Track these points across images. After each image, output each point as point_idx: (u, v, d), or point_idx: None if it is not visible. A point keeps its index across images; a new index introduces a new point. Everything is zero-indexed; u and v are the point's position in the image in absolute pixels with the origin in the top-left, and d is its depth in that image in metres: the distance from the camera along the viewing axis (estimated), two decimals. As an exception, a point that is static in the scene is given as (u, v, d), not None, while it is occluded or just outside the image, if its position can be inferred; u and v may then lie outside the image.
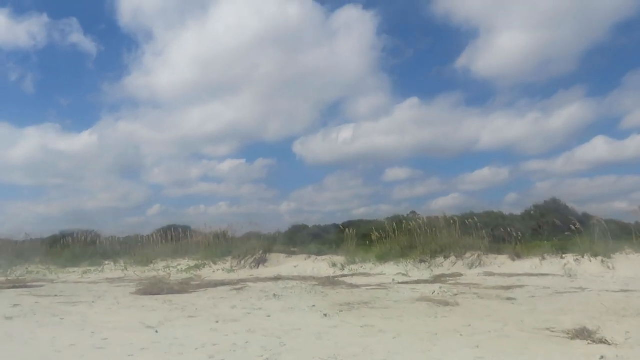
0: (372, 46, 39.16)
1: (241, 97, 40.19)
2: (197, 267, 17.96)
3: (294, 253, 18.03)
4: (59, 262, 20.87)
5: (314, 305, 8.47)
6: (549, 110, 37.06)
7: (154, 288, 12.28)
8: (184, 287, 12.78)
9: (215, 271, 17.28)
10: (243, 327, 6.53)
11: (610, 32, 34.92)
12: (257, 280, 14.36)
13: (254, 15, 37.77)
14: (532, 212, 24.19)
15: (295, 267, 16.57)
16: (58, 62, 44.18)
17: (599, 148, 34.43)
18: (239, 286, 12.87)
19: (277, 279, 14.53)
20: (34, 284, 15.60)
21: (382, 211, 39.14)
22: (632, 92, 34.88)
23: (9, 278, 17.75)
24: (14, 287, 14.65)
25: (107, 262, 20.36)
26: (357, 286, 11.95)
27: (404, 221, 17.23)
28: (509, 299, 8.94)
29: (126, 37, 42.72)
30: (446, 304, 8.34)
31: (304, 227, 23.59)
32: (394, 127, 38.41)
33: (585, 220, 19.97)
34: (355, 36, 38.48)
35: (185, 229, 23.88)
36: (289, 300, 9.61)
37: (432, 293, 9.94)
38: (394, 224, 17.85)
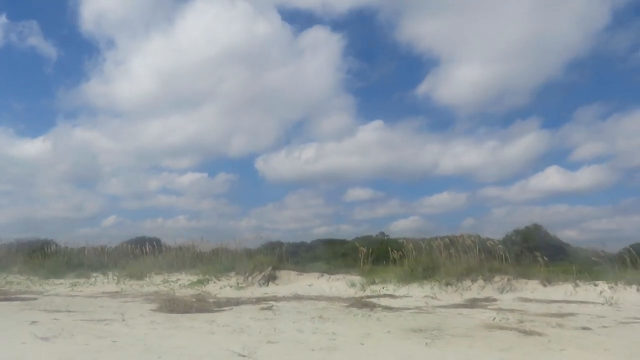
0: (337, 67, 39.61)
1: (204, 111, 39.72)
2: (200, 282, 16.82)
3: (305, 271, 17.17)
4: (40, 273, 19.19)
5: (389, 331, 7.73)
6: (506, 139, 38.78)
7: (176, 305, 11.24)
8: (203, 305, 11.80)
9: (222, 287, 16.20)
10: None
11: (564, 69, 36.69)
12: (277, 299, 13.43)
13: (221, 31, 37.59)
14: (513, 237, 24.38)
15: (309, 285, 15.71)
16: (14, 65, 42.15)
17: (552, 177, 35.85)
18: (264, 305, 11.95)
19: (298, 298, 13.66)
20: (24, 296, 14.18)
21: (343, 231, 39.09)
22: (582, 126, 37.02)
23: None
24: (6, 299, 13.19)
25: (95, 274, 18.87)
26: (397, 309, 11.24)
27: (423, 242, 16.69)
28: (584, 328, 8.46)
29: (87, 43, 41.59)
30: (529, 332, 7.76)
31: (280, 243, 22.78)
32: (357, 148, 38.92)
33: (564, 247, 20.34)
34: (321, 57, 38.89)
35: (155, 241, 22.92)
36: (344, 323, 8.82)
37: (493, 320, 9.36)
38: (402, 244, 17.36)
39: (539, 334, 7.65)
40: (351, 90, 41.80)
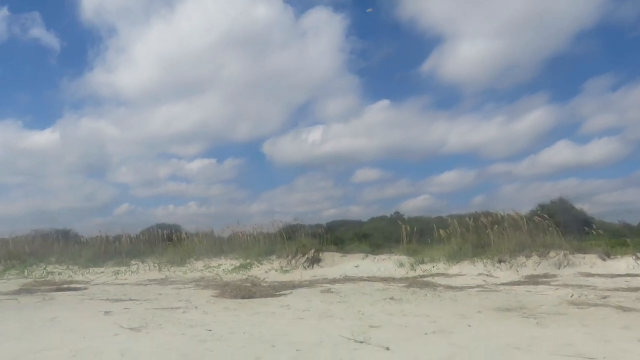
0: (341, 48, 39.70)
1: (210, 97, 39.39)
2: (244, 267, 16.68)
3: (349, 252, 16.98)
4: (79, 262, 19.13)
5: (479, 312, 7.50)
6: (514, 115, 38.22)
7: (237, 291, 11.08)
8: (262, 290, 11.61)
9: (267, 272, 16.05)
10: (481, 342, 5.46)
11: (572, 41, 35.86)
12: (330, 281, 13.26)
13: (222, 15, 37.20)
14: (538, 212, 24.01)
15: (356, 267, 15.51)
16: (19, 57, 41.95)
17: (563, 152, 35.41)
18: (322, 288, 11.79)
19: (350, 280, 13.48)
20: (74, 286, 14.09)
21: (353, 212, 39.07)
22: (593, 98, 36.26)
23: (37, 280, 16.06)
24: (58, 289, 13.11)
25: (134, 262, 18.79)
26: (460, 288, 11.01)
27: (469, 219, 16.38)
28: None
29: (89, 32, 41.20)
30: (626, 309, 7.49)
31: (300, 226, 22.60)
32: (364, 129, 38.74)
33: (590, 220, 19.97)
34: (324, 38, 38.70)
35: (174, 228, 22.93)
36: (422, 305, 8.61)
37: (571, 297, 9.10)
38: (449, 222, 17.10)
39: (637, 310, 7.39)
40: (356, 70, 41.74)
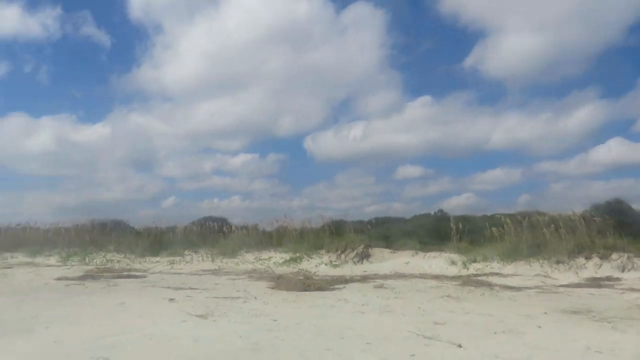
0: (382, 43, 38.34)
1: (252, 92, 39.63)
2: (294, 260, 16.89)
3: (397, 249, 16.89)
4: (136, 252, 19.92)
5: (545, 313, 7.29)
6: (563, 111, 36.07)
7: (292, 284, 11.23)
8: (314, 283, 11.69)
9: (317, 265, 16.18)
10: (557, 344, 5.35)
11: (624, 33, 33.40)
12: (382, 277, 13.23)
13: (264, 11, 37.34)
14: (592, 213, 22.92)
15: (406, 263, 15.41)
16: (72, 54, 43.82)
17: (615, 150, 32.90)
18: (374, 283, 11.78)
19: (402, 276, 13.39)
20: (133, 273, 14.67)
21: (395, 209, 38.56)
22: None
23: (98, 266, 16.86)
24: (118, 276, 13.71)
25: (187, 253, 19.37)
26: (517, 288, 10.73)
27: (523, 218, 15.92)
28: None
29: (137, 30, 42.60)
30: None
31: (343, 222, 22.52)
32: (405, 124, 37.62)
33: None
34: (365, 33, 37.71)
35: (222, 220, 23.48)
36: (481, 303, 8.45)
37: (641, 300, 8.70)
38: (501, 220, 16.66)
39: None
40: (397, 65, 40.26)
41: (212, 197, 40.99)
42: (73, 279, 13.22)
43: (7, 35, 40.90)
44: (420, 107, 37.60)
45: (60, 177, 44.24)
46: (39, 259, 20.29)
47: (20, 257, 20.89)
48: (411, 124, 37.75)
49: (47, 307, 8.27)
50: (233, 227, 22.16)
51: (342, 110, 44.76)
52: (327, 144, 38.77)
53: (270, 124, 40.48)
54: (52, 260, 19.95)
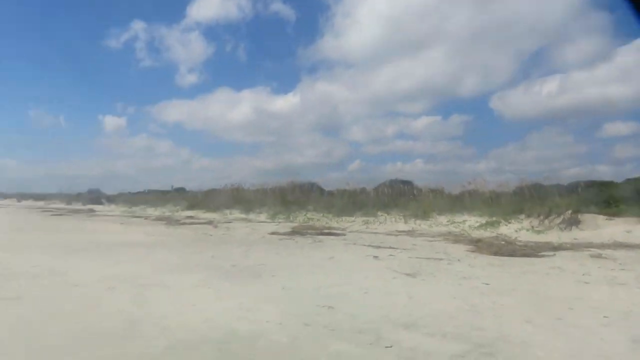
0: None
1: (433, 53, 37.47)
2: (490, 224, 16.12)
3: (613, 215, 14.78)
4: (332, 211, 21.34)
5: None
6: None
7: (497, 249, 10.76)
8: (518, 249, 11.01)
9: (516, 230, 15.17)
10: None
11: None
12: (597, 246, 11.74)
13: None
14: None
15: (627, 232, 13.39)
16: (263, 30, 47.56)
17: None
18: (589, 252, 10.54)
19: (622, 246, 11.72)
20: (333, 232, 15.75)
21: (600, 172, 32.50)
22: None
23: (301, 224, 18.59)
24: (321, 233, 14.90)
25: (380, 214, 20.02)
26: None
27: None
28: None
29: (318, 1, 43.22)
30: None
31: (541, 185, 19.81)
32: (615, 74, 32.10)
33: None
34: None
35: (407, 183, 23.06)
36: None
37: None
38: None
39: None
40: (603, 4, 33.67)
41: (396, 161, 41.85)
42: (283, 234, 14.83)
43: (211, 20, 46.75)
44: (635, 51, 31.82)
45: (260, 144, 49.89)
46: (251, 216, 23.29)
47: (236, 214, 24.28)
48: (623, 73, 32.58)
49: (269, 257, 9.46)
50: (421, 190, 22.12)
51: (533, 64, 40.94)
52: (516, 102, 35.77)
53: (453, 84, 38.92)
54: (262, 217, 22.68)
